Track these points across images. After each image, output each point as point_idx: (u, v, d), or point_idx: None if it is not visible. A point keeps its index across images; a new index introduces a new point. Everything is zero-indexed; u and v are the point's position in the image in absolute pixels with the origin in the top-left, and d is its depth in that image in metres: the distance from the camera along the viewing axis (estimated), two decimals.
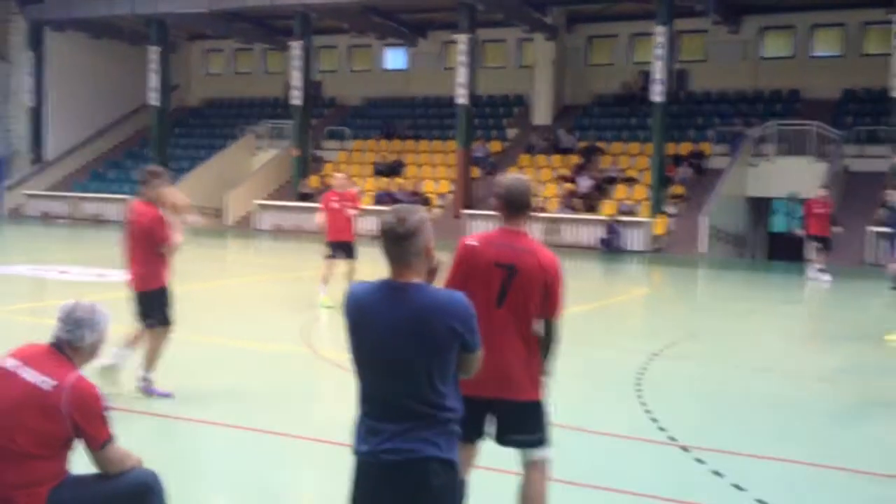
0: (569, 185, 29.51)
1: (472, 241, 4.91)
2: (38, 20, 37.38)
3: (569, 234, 27.65)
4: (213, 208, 33.08)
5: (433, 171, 33.34)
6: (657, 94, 27.75)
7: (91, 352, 4.42)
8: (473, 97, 30.73)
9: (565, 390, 6.75)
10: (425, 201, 30.17)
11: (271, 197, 34.27)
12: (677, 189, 28.93)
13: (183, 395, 8.38)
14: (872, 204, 26.50)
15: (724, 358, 11.58)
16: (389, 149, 35.30)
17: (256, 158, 36.63)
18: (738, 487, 6.35)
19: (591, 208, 28.55)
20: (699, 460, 6.98)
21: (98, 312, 4.42)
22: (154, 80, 35.25)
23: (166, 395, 8.30)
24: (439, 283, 3.80)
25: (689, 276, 23.10)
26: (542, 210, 27.31)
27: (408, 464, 3.56)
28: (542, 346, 4.87)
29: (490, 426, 4.84)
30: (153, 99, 35.53)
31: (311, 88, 35.03)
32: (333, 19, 34.55)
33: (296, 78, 33.09)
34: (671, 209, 28.25)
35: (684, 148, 30.73)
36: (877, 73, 30.42)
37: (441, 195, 31.77)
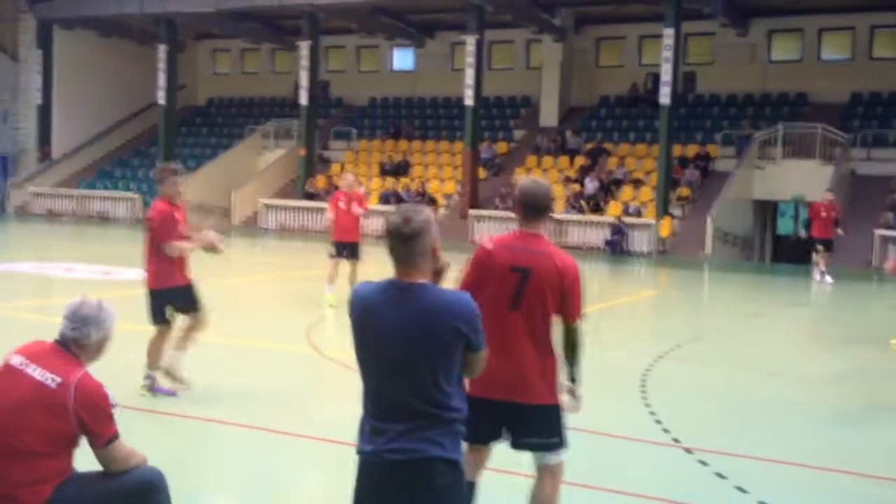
0: (575, 187, 29.50)
1: (488, 244, 4.88)
2: (47, 18, 37.46)
3: (575, 236, 27.64)
4: (220, 207, 33.13)
5: (440, 171, 33.35)
6: (664, 96, 27.72)
7: (97, 349, 4.43)
8: (481, 98, 30.74)
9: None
10: (431, 202, 30.18)
11: (277, 196, 34.30)
12: (684, 191, 28.90)
13: (188, 393, 8.39)
14: (879, 207, 26.49)
15: (729, 360, 11.57)
16: (396, 149, 35.32)
17: (263, 158, 36.67)
18: (741, 490, 6.35)
19: (598, 210, 28.54)
20: (703, 462, 6.98)
21: (104, 310, 4.42)
22: (162, 80, 35.31)
23: (171, 394, 8.32)
24: (447, 284, 3.79)
25: (694, 278, 23.08)
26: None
27: (412, 463, 3.57)
28: (565, 350, 4.85)
29: (505, 430, 4.82)
30: (161, 98, 35.60)
31: (319, 88, 35.09)
32: (341, 19, 34.58)
33: (303, 78, 33.11)
34: (677, 211, 28.24)
35: (691, 150, 30.70)
36: (886, 77, 30.45)
37: (447, 196, 31.79)
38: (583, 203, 28.67)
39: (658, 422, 8.10)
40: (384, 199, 30.53)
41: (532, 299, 4.70)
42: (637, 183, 29.75)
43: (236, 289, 17.12)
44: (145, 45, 38.42)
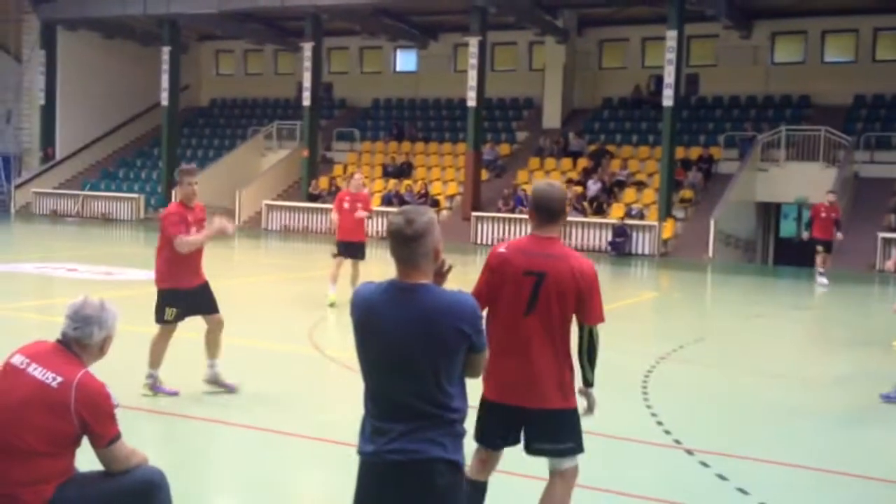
0: (578, 189, 29.50)
1: (501, 248, 4.84)
2: (51, 19, 37.51)
3: (577, 238, 27.63)
4: (223, 207, 33.13)
5: (442, 173, 33.35)
6: (667, 98, 27.71)
7: (99, 349, 4.43)
8: (483, 100, 30.75)
9: None
10: (434, 203, 30.19)
11: (280, 197, 34.33)
12: (686, 193, 28.89)
13: (189, 393, 8.40)
14: (882, 209, 26.48)
15: (731, 362, 11.57)
16: (399, 150, 35.34)
17: (266, 159, 36.70)
18: (742, 491, 6.35)
19: (600, 212, 28.54)
20: (704, 464, 6.98)
21: (107, 310, 4.42)
22: (165, 81, 35.35)
23: (173, 394, 8.33)
24: (451, 285, 3.78)
25: (697, 280, 23.06)
26: None
27: (413, 464, 3.56)
28: (580, 354, 4.83)
29: (521, 435, 4.80)
30: (164, 99, 35.63)
31: (322, 90, 35.11)
32: (344, 21, 34.59)
33: (306, 79, 33.14)
34: (680, 213, 28.23)
35: (694, 152, 30.69)
36: (889, 79, 30.43)
37: (450, 197, 31.80)
38: (585, 205, 28.67)
39: (659, 423, 8.10)
40: (387, 200, 30.54)
41: (547, 303, 4.66)
42: (640, 185, 29.74)
43: (239, 289, 17.12)
44: (149, 46, 38.50)
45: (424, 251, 3.63)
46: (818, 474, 7.02)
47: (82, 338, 4.35)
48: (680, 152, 29.83)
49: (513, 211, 28.55)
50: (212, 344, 8.47)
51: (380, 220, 27.09)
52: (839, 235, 20.58)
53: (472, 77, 30.11)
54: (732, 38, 32.82)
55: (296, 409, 8.34)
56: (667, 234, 27.18)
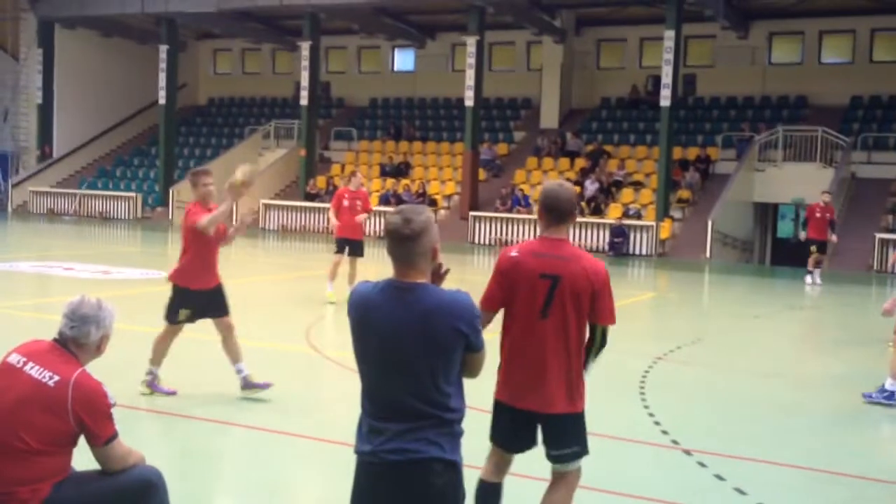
0: (575, 189, 29.46)
1: (513, 252, 4.80)
2: (49, 17, 37.45)
3: (575, 238, 27.62)
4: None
5: (440, 172, 33.35)
6: (665, 98, 27.73)
7: (97, 348, 4.42)
8: (481, 99, 30.75)
9: None
10: (431, 203, 30.19)
11: (278, 197, 34.31)
12: (684, 193, 28.91)
13: (187, 392, 8.39)
14: (879, 210, 26.51)
15: (728, 362, 11.57)
16: (396, 150, 35.33)
17: (263, 158, 36.66)
18: (739, 491, 6.35)
19: (598, 212, 28.54)
20: (701, 464, 6.98)
21: (104, 309, 4.42)
22: (162, 79, 35.32)
23: (170, 393, 8.32)
24: (447, 285, 3.78)
25: (694, 280, 23.08)
26: None
27: (410, 464, 3.56)
28: (590, 351, 4.83)
29: (534, 439, 4.79)
30: (161, 98, 35.59)
31: (319, 89, 35.09)
32: (342, 20, 34.59)
33: (304, 78, 33.13)
34: (677, 213, 28.24)
35: (691, 152, 30.71)
36: (886, 80, 30.45)
37: (447, 197, 31.79)
38: (583, 205, 28.67)
39: (657, 423, 8.10)
40: (384, 199, 30.54)
41: (563, 306, 4.63)
42: (637, 185, 29.76)
43: (236, 289, 17.05)
44: (146, 45, 38.45)
45: (422, 250, 3.62)
46: (816, 474, 7.02)
47: (79, 337, 4.35)
48: (677, 152, 29.86)
49: (510, 211, 28.56)
50: (230, 349, 8.43)
51: (377, 219, 27.13)
52: (833, 237, 20.64)
53: (470, 76, 30.12)
54: (730, 38, 32.87)
55: (294, 409, 8.33)
56: (664, 234, 27.19)
